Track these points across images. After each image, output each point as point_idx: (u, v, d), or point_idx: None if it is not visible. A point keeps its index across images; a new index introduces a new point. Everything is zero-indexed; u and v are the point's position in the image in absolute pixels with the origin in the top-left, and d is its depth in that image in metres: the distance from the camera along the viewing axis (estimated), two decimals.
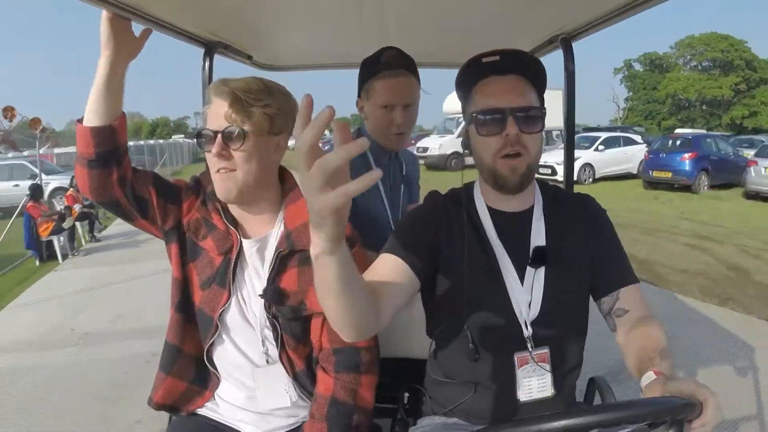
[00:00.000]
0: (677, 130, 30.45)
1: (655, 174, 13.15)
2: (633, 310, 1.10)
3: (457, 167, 16.81)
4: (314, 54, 2.18)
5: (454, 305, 1.12)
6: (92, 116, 1.11)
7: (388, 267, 1.06)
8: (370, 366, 1.23)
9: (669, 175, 12.86)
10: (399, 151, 1.82)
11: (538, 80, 1.13)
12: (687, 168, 12.68)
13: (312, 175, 0.61)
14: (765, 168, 11.43)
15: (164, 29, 1.37)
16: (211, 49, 1.78)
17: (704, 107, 46.11)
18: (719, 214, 10.28)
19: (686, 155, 12.75)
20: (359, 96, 1.72)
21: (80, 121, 1.13)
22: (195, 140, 1.19)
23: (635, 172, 14.02)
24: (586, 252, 1.15)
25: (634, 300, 1.11)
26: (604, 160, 14.49)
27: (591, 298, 1.19)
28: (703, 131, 27.85)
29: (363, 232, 1.29)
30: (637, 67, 50.89)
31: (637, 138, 16.24)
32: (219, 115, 1.12)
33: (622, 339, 1.09)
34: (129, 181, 1.16)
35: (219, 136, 1.11)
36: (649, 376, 0.88)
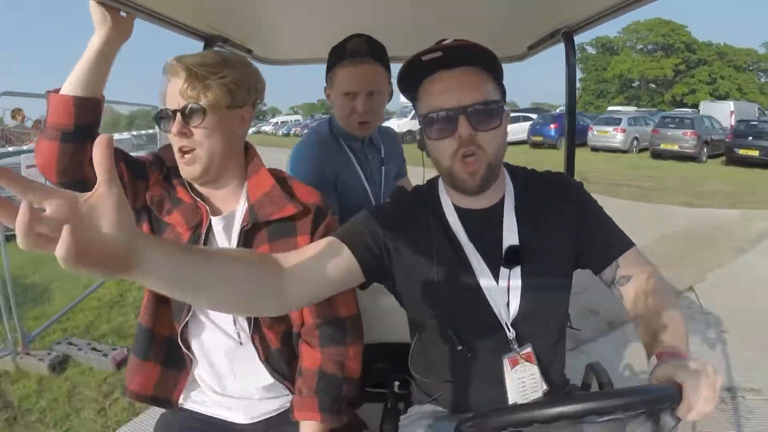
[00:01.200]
0: (612, 107, 36.56)
1: (533, 138, 19.57)
2: (635, 274, 1.04)
3: (410, 141, 22.20)
4: (315, 47, 2.07)
5: (431, 307, 1.09)
6: (76, 87, 1.03)
7: (326, 249, 1.00)
8: (355, 335, 1.21)
9: (541, 138, 19.39)
10: (373, 133, 1.77)
11: (494, 68, 1.02)
12: (552, 133, 19.17)
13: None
14: (597, 131, 18.09)
15: (163, 23, 1.35)
16: (210, 42, 1.71)
17: (650, 86, 51.30)
18: (557, 159, 15.74)
19: (552, 125, 19.28)
20: (326, 84, 1.69)
21: (55, 91, 1.04)
22: (155, 121, 1.14)
23: (526, 139, 20.22)
24: (567, 238, 1.08)
25: (634, 263, 1.06)
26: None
27: (572, 287, 1.15)
28: (633, 108, 33.77)
29: (348, 219, 1.30)
30: (590, 50, 55.05)
31: (534, 116, 22.11)
32: (175, 93, 1.07)
33: (631, 311, 1.04)
34: None
35: (178, 114, 1.06)
36: (653, 362, 0.83)
